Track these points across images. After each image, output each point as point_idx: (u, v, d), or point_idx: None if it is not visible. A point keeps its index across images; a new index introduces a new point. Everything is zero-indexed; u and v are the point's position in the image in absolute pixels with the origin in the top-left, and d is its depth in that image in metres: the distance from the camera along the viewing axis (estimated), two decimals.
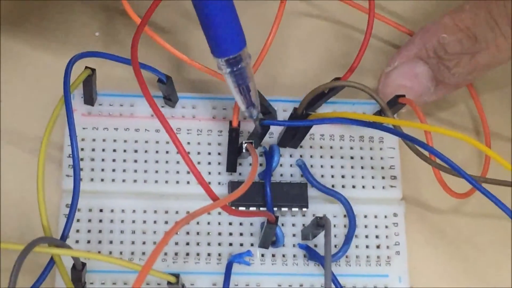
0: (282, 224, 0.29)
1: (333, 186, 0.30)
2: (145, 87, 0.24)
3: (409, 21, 0.34)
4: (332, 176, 0.30)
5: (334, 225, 0.29)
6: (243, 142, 0.28)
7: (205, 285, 0.28)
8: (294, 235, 0.29)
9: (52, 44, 0.31)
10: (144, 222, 0.29)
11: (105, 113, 0.30)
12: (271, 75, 0.32)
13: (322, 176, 0.30)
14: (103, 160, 0.29)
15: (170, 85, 0.29)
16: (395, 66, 0.30)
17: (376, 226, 0.29)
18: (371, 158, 0.30)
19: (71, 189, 0.25)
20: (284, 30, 0.32)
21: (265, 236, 0.28)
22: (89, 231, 0.28)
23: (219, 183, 0.29)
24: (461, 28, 0.29)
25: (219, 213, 0.29)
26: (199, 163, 0.29)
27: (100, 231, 0.28)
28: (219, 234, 0.29)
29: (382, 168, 0.30)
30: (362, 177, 0.30)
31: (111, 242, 0.28)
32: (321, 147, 0.30)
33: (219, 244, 0.29)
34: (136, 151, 0.29)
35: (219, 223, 0.29)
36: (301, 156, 0.30)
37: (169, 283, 0.26)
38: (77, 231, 0.28)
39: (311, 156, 0.30)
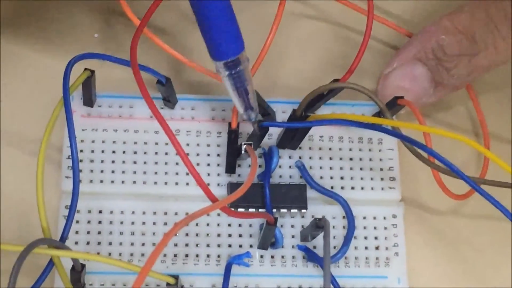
0: (281, 226, 0.29)
1: (332, 187, 0.30)
2: (144, 88, 0.24)
3: (408, 22, 0.34)
4: (331, 178, 0.30)
5: (333, 227, 0.29)
6: (242, 143, 0.28)
7: (204, 286, 0.28)
8: (293, 237, 0.29)
9: (51, 46, 0.32)
10: (143, 223, 0.29)
11: (104, 114, 0.30)
12: (270, 76, 0.32)
13: (321, 177, 0.30)
14: (102, 161, 0.29)
15: (169, 87, 0.29)
16: (394, 67, 0.30)
17: (375, 228, 0.29)
18: (370, 160, 0.30)
19: (71, 191, 0.25)
20: (283, 32, 0.32)
21: (264, 237, 0.28)
22: (88, 232, 0.28)
23: (218, 185, 0.29)
24: (460, 29, 0.29)
25: (218, 215, 0.29)
26: (198, 164, 0.29)
27: (99, 233, 0.28)
28: (218, 235, 0.29)
29: (381, 169, 0.30)
30: (361, 178, 0.30)
31: (110, 243, 0.28)
32: (320, 149, 0.30)
33: (218, 246, 0.29)
34: (135, 152, 0.29)
35: (218, 225, 0.29)
36: (300, 157, 0.30)
37: (168, 284, 0.26)
38: (77, 232, 0.28)
39: (310, 158, 0.30)
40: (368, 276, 0.29)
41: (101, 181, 0.29)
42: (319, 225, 0.27)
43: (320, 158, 0.30)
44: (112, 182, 0.29)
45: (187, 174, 0.29)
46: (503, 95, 0.33)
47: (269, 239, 0.28)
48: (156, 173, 0.29)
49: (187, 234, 0.29)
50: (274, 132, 0.30)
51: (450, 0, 0.31)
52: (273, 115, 0.29)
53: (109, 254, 0.28)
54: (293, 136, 0.29)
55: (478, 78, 0.30)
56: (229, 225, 0.29)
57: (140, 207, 0.29)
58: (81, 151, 0.29)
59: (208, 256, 0.28)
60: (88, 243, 0.28)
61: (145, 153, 0.29)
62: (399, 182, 0.30)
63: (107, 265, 0.24)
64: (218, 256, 0.28)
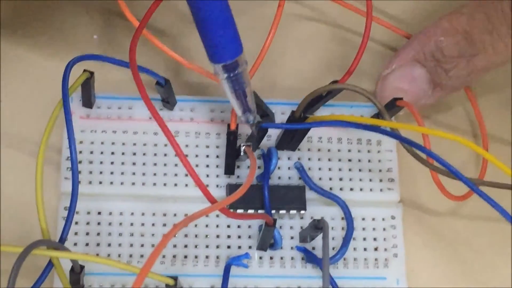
0: (280, 227, 0.29)
1: (331, 188, 0.30)
2: (143, 90, 0.24)
3: (407, 23, 0.34)
4: (330, 179, 0.30)
5: (332, 228, 0.29)
6: (241, 144, 0.28)
7: (203, 287, 0.28)
8: (292, 238, 0.29)
9: (50, 47, 0.32)
10: (143, 224, 0.29)
11: (103, 116, 0.30)
12: (269, 77, 0.32)
13: (320, 178, 0.30)
14: (101, 162, 0.29)
15: (168, 88, 0.29)
16: (392, 69, 0.30)
17: (374, 229, 0.29)
18: (369, 161, 0.30)
19: (70, 192, 0.25)
20: (282, 33, 0.31)
21: (263, 238, 0.28)
22: (87, 233, 0.28)
23: (217, 186, 0.29)
24: (458, 31, 0.29)
25: (217, 216, 0.29)
26: (197, 165, 0.29)
27: (98, 234, 0.28)
28: (217, 236, 0.29)
29: (380, 170, 0.30)
30: (360, 179, 0.30)
31: (109, 244, 0.28)
32: (319, 150, 0.30)
33: (217, 247, 0.29)
34: (134, 153, 0.29)
35: (217, 226, 0.29)
36: (299, 158, 0.30)
37: (167, 285, 0.26)
38: (76, 233, 0.28)
39: (309, 159, 0.30)
40: (367, 277, 0.29)
41: (100, 182, 0.29)
42: (318, 226, 0.27)
43: (319, 160, 0.30)
44: (111, 183, 0.29)
45: (186, 175, 0.29)
46: (502, 96, 0.33)
47: (268, 240, 0.28)
48: (155, 174, 0.29)
49: (186, 235, 0.29)
50: (273, 133, 0.30)
51: (449, 1, 0.31)
52: (272, 116, 0.29)
53: (108, 255, 0.28)
54: (292, 138, 0.29)
55: (477, 79, 0.30)
56: (228, 226, 0.29)
57: (139, 208, 0.29)
58: (80, 152, 0.29)
59: (207, 257, 0.28)
60: (87, 244, 0.28)
61: (144, 154, 0.29)
62: (398, 183, 0.30)
63: (106, 266, 0.24)
64: (217, 257, 0.28)
